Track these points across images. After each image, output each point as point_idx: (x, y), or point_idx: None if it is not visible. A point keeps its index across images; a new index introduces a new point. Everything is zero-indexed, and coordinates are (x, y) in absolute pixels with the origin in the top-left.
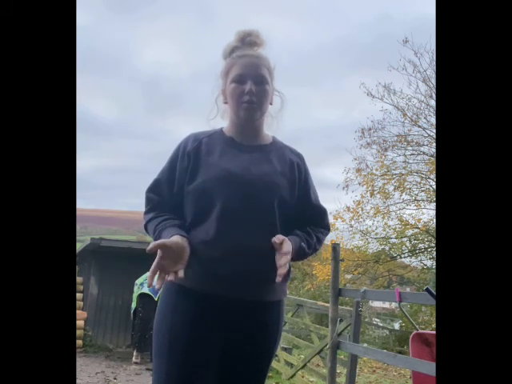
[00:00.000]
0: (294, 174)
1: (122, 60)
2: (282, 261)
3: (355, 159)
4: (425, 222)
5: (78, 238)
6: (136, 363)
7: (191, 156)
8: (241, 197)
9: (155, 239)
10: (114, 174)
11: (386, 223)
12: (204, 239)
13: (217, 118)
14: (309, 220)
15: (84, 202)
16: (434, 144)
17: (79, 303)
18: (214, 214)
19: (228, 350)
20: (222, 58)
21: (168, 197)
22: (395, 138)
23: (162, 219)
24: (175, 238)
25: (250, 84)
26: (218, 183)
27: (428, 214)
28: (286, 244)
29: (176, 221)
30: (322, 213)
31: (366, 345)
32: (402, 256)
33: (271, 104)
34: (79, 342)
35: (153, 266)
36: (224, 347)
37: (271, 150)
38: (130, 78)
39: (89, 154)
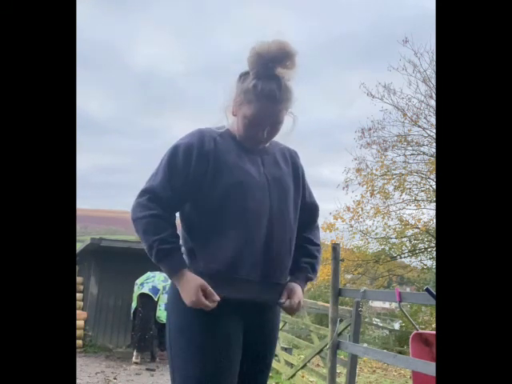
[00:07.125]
0: (298, 173)
1: (118, 58)
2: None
3: (355, 159)
4: (425, 222)
5: (78, 238)
6: (136, 363)
7: (210, 157)
8: (263, 200)
9: (156, 256)
10: (113, 173)
11: (385, 223)
12: (229, 243)
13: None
14: (303, 219)
15: (83, 202)
16: (434, 144)
17: (79, 303)
18: (239, 218)
19: (246, 351)
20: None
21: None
22: (395, 137)
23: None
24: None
25: (261, 131)
26: (244, 186)
27: (428, 214)
28: (294, 299)
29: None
30: (314, 210)
31: (366, 345)
32: (402, 256)
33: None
34: (79, 342)
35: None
36: (244, 348)
37: (274, 151)
38: (126, 75)
39: (86, 152)
